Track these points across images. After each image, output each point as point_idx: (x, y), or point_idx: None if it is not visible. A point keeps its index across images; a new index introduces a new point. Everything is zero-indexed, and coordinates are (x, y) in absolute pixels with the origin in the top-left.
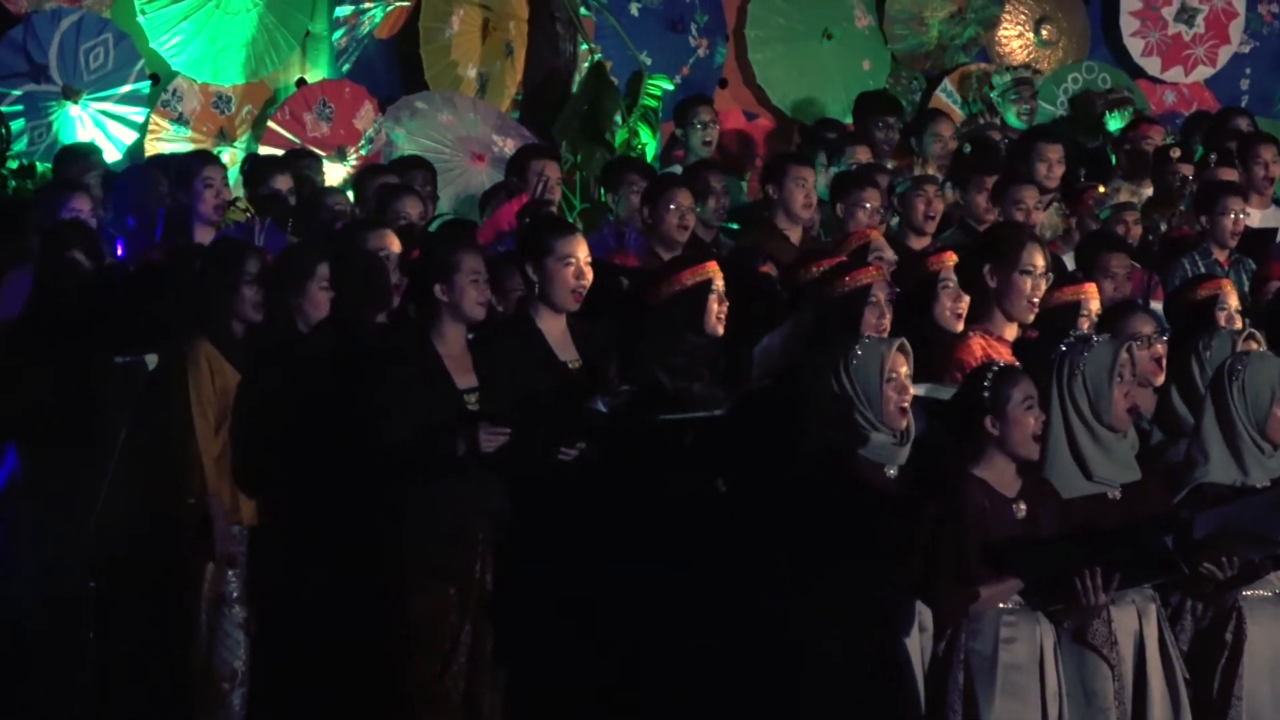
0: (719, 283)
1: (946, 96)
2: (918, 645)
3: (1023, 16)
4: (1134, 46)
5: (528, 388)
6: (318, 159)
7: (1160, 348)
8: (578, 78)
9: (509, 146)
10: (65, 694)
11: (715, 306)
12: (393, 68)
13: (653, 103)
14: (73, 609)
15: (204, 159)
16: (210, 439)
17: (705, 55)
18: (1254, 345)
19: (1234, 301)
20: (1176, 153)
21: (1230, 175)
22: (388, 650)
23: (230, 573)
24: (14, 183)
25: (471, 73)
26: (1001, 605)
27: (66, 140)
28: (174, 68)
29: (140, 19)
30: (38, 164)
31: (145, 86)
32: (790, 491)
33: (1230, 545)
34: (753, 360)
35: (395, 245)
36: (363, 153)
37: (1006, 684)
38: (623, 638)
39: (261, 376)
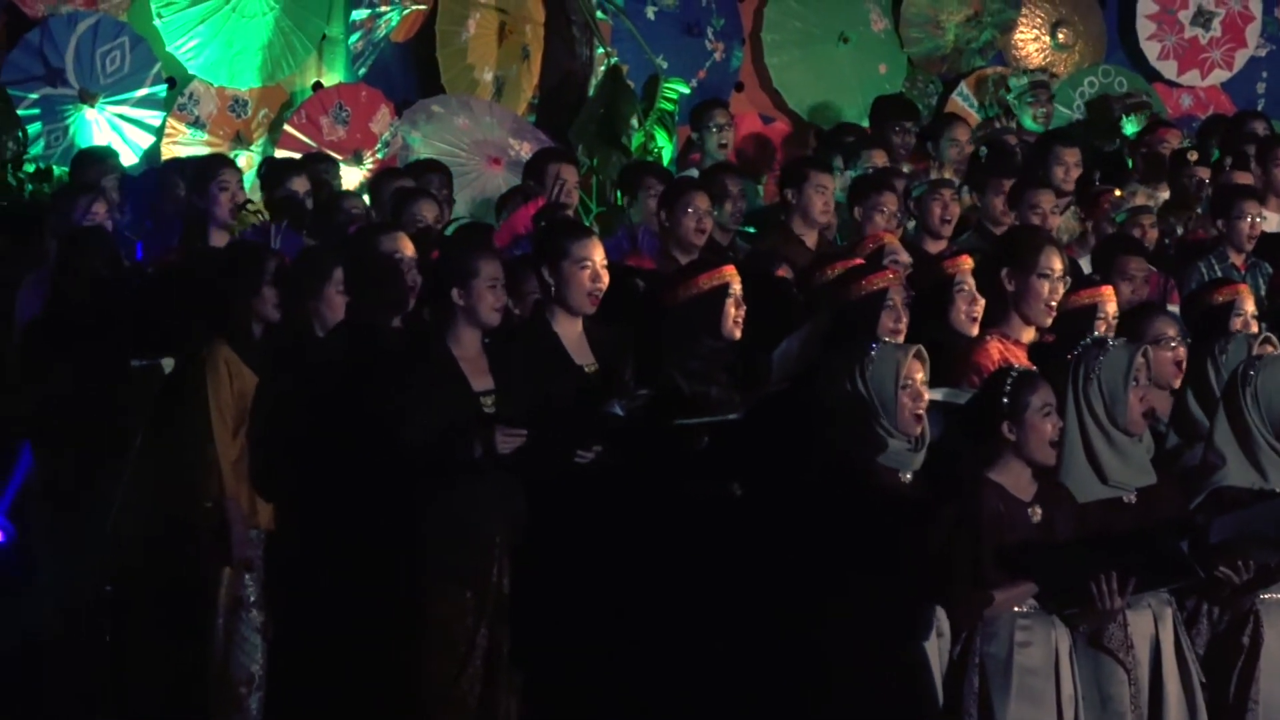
0: (736, 286)
1: (963, 100)
2: (935, 650)
3: (1039, 20)
4: (1150, 50)
5: (544, 391)
6: (334, 162)
7: (1181, 351)
8: (594, 81)
9: (525, 150)
10: (81, 697)
11: (732, 310)
12: (409, 71)
13: (669, 106)
14: (89, 612)
15: (220, 162)
16: (228, 442)
17: (721, 59)
18: (1270, 349)
19: (1250, 306)
20: (1193, 156)
21: (1246, 179)
22: (404, 653)
23: (247, 577)
24: (30, 186)
25: (488, 76)
26: (1016, 609)
27: (83, 144)
28: (190, 71)
29: (157, 22)
30: (54, 168)
31: (162, 90)
32: (805, 496)
33: (1246, 549)
34: (771, 364)
35: (409, 248)
36: (379, 156)
37: (1021, 688)
38: (639, 641)
39: (278, 380)
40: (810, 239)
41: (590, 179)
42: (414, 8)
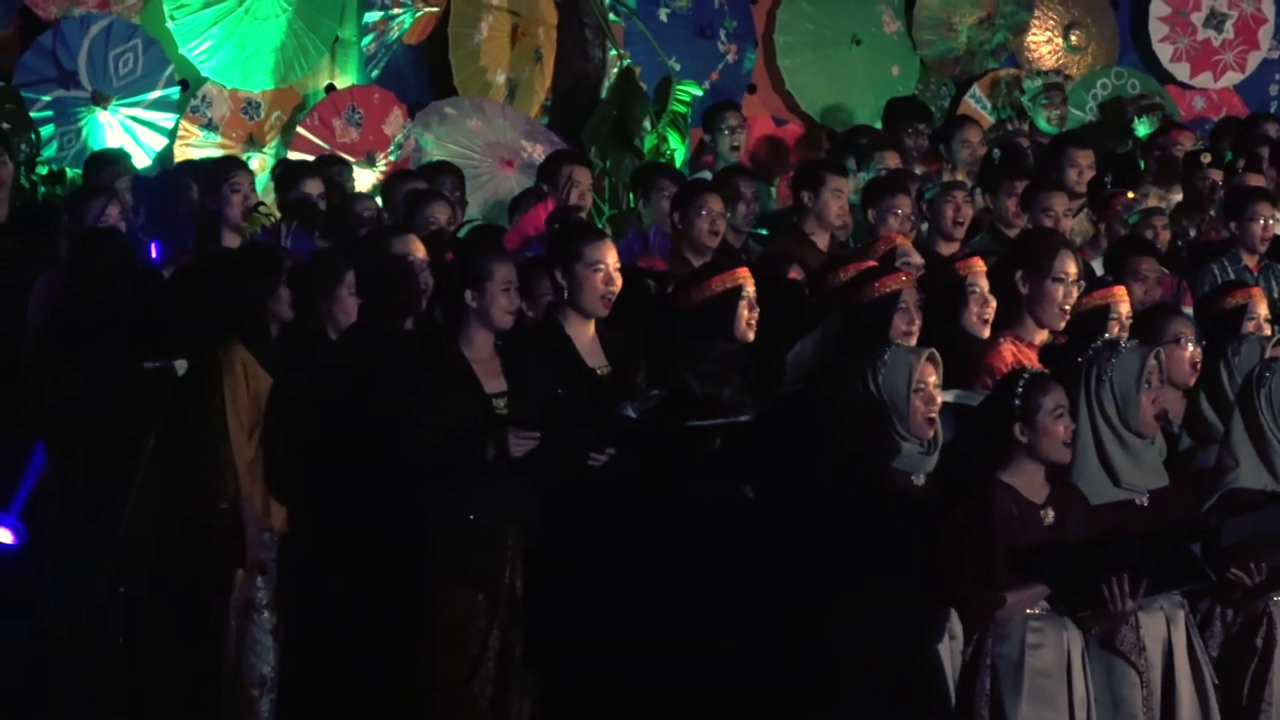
0: (750, 289)
1: (975, 102)
2: (947, 652)
3: (1052, 22)
4: (1163, 52)
5: (556, 393)
6: (347, 165)
7: (1197, 351)
8: (607, 83)
9: (538, 152)
10: (93, 699)
11: (745, 312)
12: (422, 73)
13: (682, 108)
14: (101, 614)
15: (232, 164)
16: (244, 443)
17: (734, 61)
18: None
19: (1263, 308)
20: (1207, 158)
21: (1259, 181)
22: (416, 655)
23: (260, 579)
24: (43, 189)
25: (500, 78)
26: (1028, 611)
27: (96, 146)
28: (203, 74)
29: (169, 25)
30: (67, 170)
31: (175, 92)
32: (818, 498)
33: (1259, 551)
34: (785, 367)
35: (421, 251)
36: (392, 158)
37: (1033, 690)
38: (651, 643)
39: (290, 381)
40: (822, 241)
41: (603, 181)
42: (426, 10)
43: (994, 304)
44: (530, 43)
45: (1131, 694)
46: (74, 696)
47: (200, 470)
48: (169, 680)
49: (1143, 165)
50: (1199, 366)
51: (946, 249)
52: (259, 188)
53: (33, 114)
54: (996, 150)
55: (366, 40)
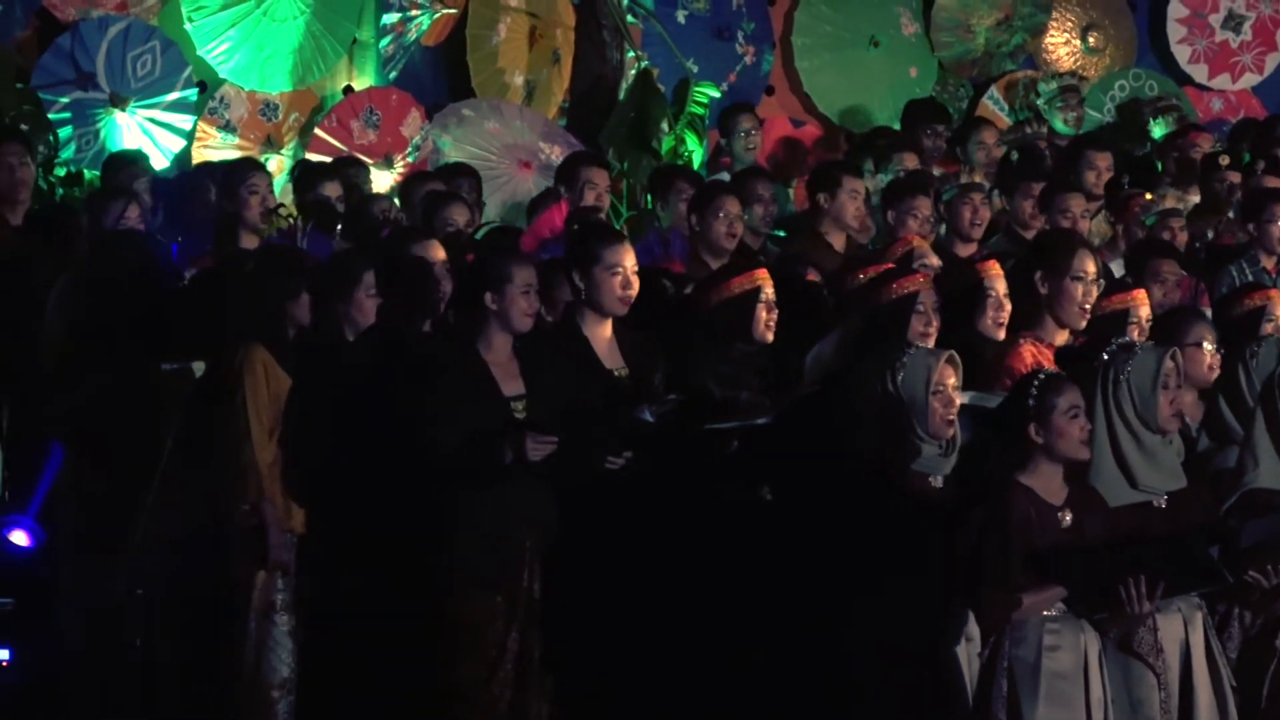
0: (768, 290)
1: (993, 104)
2: (964, 654)
3: (1069, 24)
4: (1181, 54)
5: (574, 396)
6: (364, 167)
7: (1216, 353)
8: (625, 85)
9: (556, 154)
10: (110, 701)
11: (764, 314)
12: (439, 75)
13: (700, 110)
14: (118, 615)
15: (250, 166)
16: (265, 445)
17: (752, 62)
18: None
19: None
20: (1225, 160)
21: (1278, 183)
22: (434, 658)
23: (280, 580)
24: (61, 190)
25: (518, 80)
26: (1045, 613)
27: (114, 148)
28: (221, 75)
29: (187, 27)
30: (85, 171)
31: (193, 94)
32: (836, 501)
33: (1278, 553)
34: (804, 369)
35: (441, 255)
36: (409, 160)
37: (1051, 692)
38: (669, 646)
39: (309, 383)
40: (839, 243)
41: (621, 183)
42: (444, 11)
43: (1009, 308)
44: (548, 44)
45: (1149, 696)
46: (91, 698)
47: (221, 472)
48: (186, 682)
49: (1160, 167)
50: (1217, 368)
51: (964, 250)
52: (277, 189)
53: (51, 115)
54: (1015, 152)
55: (384, 42)
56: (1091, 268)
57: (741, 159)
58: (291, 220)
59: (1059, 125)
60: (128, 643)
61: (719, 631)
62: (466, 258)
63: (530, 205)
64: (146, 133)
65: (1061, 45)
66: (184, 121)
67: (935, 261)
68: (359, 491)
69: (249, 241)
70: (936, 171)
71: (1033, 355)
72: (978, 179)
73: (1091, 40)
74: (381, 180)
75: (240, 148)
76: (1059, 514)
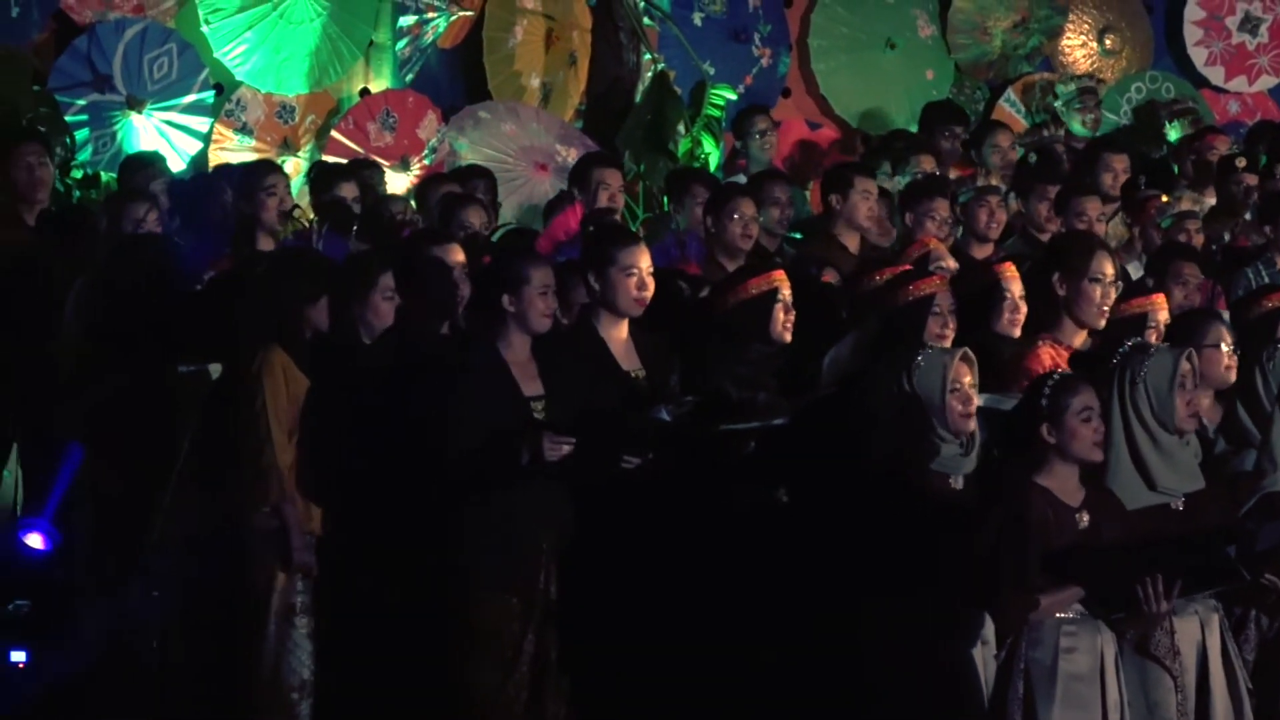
0: (785, 291)
1: (1010, 106)
2: (980, 658)
3: (1086, 26)
4: (1197, 56)
5: (590, 397)
6: (379, 169)
7: (1233, 354)
8: (641, 87)
9: (572, 156)
10: (129, 703)
11: (781, 315)
12: (456, 77)
13: (716, 112)
14: (135, 618)
15: (267, 168)
16: (285, 447)
17: (768, 65)
18: None
19: None
20: (1242, 162)
21: None
22: (450, 659)
23: (300, 582)
24: (78, 192)
25: (535, 82)
26: (1061, 615)
27: (130, 150)
28: (238, 78)
29: (204, 29)
30: (101, 173)
31: (209, 96)
32: (852, 503)
33: None
34: (822, 371)
35: (461, 258)
36: (426, 162)
37: (1067, 694)
38: (686, 647)
39: (327, 385)
40: (853, 244)
41: (637, 185)
42: (461, 14)
43: (1025, 310)
44: (564, 47)
45: (1166, 699)
46: (108, 700)
47: (241, 474)
48: (204, 685)
49: (1177, 169)
50: (1234, 369)
51: (980, 252)
52: (293, 191)
53: (68, 118)
54: (1033, 154)
55: (401, 44)
56: (1110, 270)
57: (757, 161)
58: (306, 223)
59: (1077, 127)
60: (144, 645)
61: (736, 633)
62: (483, 260)
63: (546, 208)
64: (163, 135)
65: (1078, 47)
66: (201, 124)
67: (951, 264)
68: (375, 494)
69: (266, 244)
70: (952, 174)
71: (1051, 357)
72: (994, 182)
73: (1108, 42)
74: (398, 182)
75: (257, 150)
76: (1076, 515)
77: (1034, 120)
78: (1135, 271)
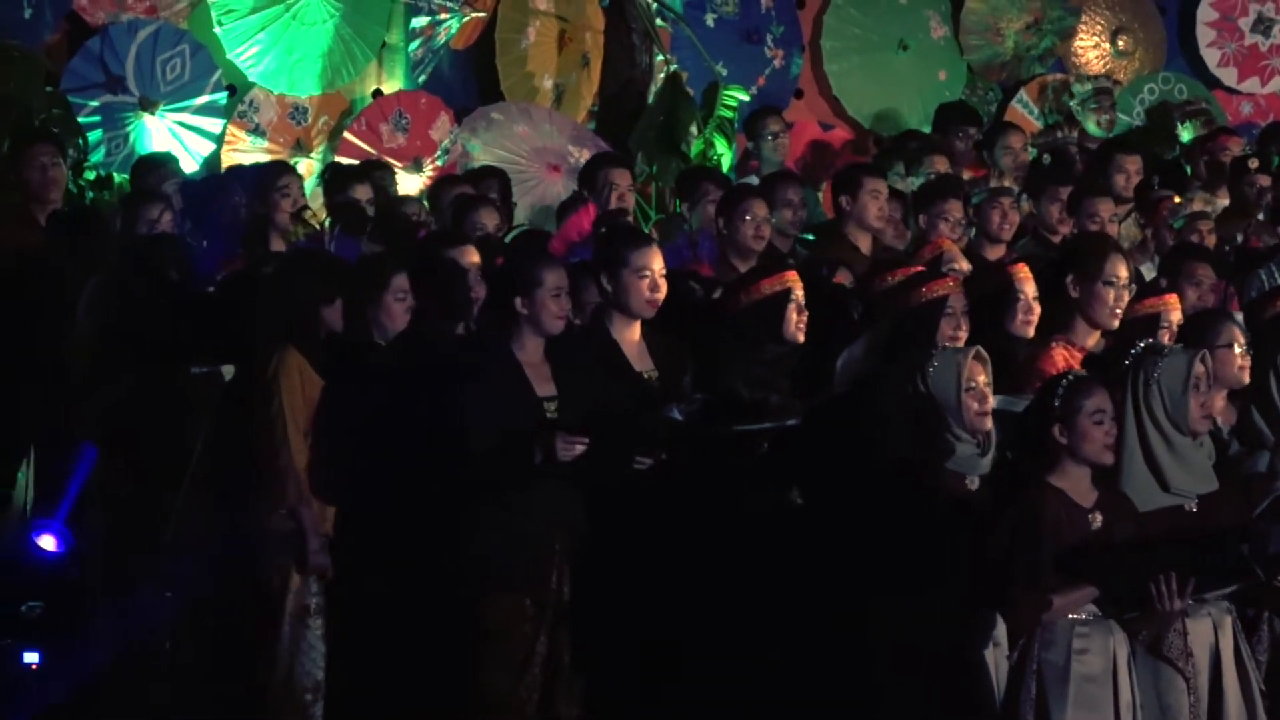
0: (798, 292)
1: (1022, 107)
2: (992, 659)
3: (1099, 27)
4: (1210, 57)
5: (603, 398)
6: (391, 170)
7: (1247, 355)
8: (654, 89)
9: (585, 157)
10: (141, 705)
11: (794, 315)
12: (469, 79)
13: (729, 113)
14: (148, 619)
15: (280, 169)
16: (301, 448)
17: (781, 66)
18: None
19: None
20: (1255, 163)
21: None
22: (463, 661)
23: (313, 584)
24: (91, 193)
25: (548, 84)
26: (1074, 616)
27: (143, 151)
28: (250, 79)
29: (217, 30)
30: (114, 175)
31: (222, 98)
32: (868, 503)
33: None
34: (835, 372)
35: (476, 259)
36: (439, 163)
37: (1079, 695)
38: (698, 648)
39: (340, 386)
40: (865, 245)
41: (650, 186)
42: (474, 15)
43: (1038, 310)
44: (577, 48)
45: (1178, 700)
46: (121, 702)
47: (258, 475)
48: (217, 686)
49: (1189, 170)
50: (1248, 370)
51: (993, 253)
52: (306, 193)
53: (80, 119)
54: (1047, 156)
55: (414, 45)
56: (1124, 272)
57: (769, 162)
58: (318, 224)
59: (1092, 128)
60: (157, 646)
61: (748, 634)
62: (496, 261)
63: (559, 209)
64: (176, 136)
65: (1091, 49)
66: (213, 125)
67: (964, 265)
68: (388, 495)
69: (279, 245)
70: (965, 175)
71: (1064, 359)
72: (1006, 183)
73: (1121, 43)
74: (410, 184)
75: (269, 151)
76: (1089, 516)
77: (1047, 121)
78: (1148, 272)
